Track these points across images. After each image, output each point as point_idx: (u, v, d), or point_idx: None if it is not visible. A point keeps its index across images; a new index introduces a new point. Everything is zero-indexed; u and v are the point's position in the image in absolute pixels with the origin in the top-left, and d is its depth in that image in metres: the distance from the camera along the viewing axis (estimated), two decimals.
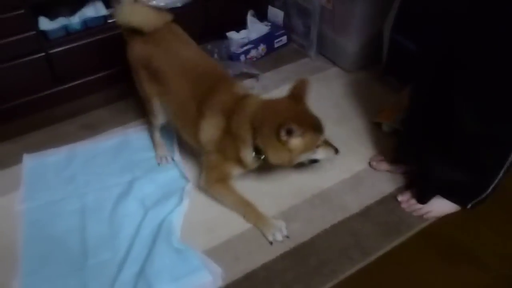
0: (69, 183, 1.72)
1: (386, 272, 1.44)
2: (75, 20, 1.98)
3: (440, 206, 1.57)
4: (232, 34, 2.37)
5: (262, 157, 1.50)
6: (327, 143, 1.57)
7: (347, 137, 1.90)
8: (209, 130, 1.53)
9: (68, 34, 1.99)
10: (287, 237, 1.51)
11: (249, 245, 1.50)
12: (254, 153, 1.50)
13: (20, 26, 1.83)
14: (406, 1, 1.93)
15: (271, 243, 1.50)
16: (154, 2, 2.09)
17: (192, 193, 1.66)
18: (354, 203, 1.63)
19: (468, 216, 1.57)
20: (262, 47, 2.38)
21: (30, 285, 1.40)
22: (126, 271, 1.41)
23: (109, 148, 1.88)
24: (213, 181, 1.60)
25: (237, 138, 1.50)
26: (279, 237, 1.50)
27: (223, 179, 1.60)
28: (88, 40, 2.00)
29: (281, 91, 1.53)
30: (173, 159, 1.82)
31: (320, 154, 1.56)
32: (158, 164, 1.80)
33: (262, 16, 2.50)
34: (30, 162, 1.81)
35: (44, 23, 1.93)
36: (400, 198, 1.63)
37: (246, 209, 1.57)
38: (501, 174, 1.40)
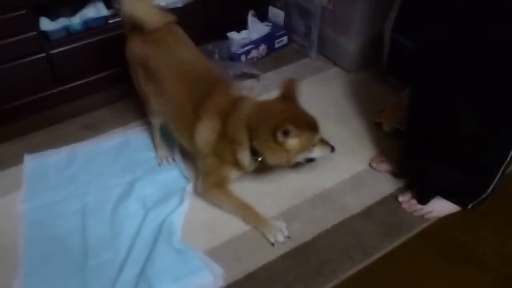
0: (70, 184, 1.73)
1: (387, 272, 1.44)
2: (76, 20, 1.98)
3: (441, 207, 1.57)
4: (233, 35, 2.37)
5: (259, 159, 1.51)
6: (323, 142, 1.58)
7: (348, 137, 1.90)
8: (205, 133, 1.53)
9: (69, 34, 1.99)
10: (288, 237, 1.51)
11: (250, 245, 1.50)
12: (251, 155, 1.51)
13: (21, 27, 1.83)
14: (406, 1, 1.93)
15: (272, 244, 1.50)
16: (155, 2, 2.09)
17: (192, 194, 1.66)
18: (355, 203, 1.63)
19: (468, 217, 1.57)
20: (262, 48, 2.38)
21: (30, 285, 1.40)
22: (127, 272, 1.41)
23: (110, 149, 1.88)
24: (210, 186, 1.60)
25: (234, 141, 1.50)
26: (280, 238, 1.50)
27: (221, 184, 1.60)
28: (89, 40, 2.00)
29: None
30: (173, 160, 1.82)
31: (317, 152, 1.57)
32: (159, 164, 1.80)
33: (262, 17, 2.50)
34: (31, 162, 1.81)
35: (45, 24, 1.93)
36: (401, 198, 1.63)
37: (245, 212, 1.57)
38: (500, 174, 1.40)
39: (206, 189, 1.60)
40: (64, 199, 1.66)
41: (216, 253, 1.47)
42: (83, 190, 1.70)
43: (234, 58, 2.30)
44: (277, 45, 2.45)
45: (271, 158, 1.48)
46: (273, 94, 1.57)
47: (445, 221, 1.57)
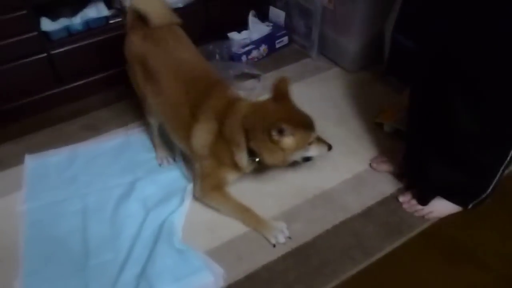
0: (70, 184, 1.73)
1: (388, 273, 1.44)
2: (77, 20, 1.99)
3: (441, 207, 1.56)
4: (233, 35, 2.37)
5: (257, 159, 1.51)
6: (320, 140, 1.58)
7: (348, 137, 1.90)
8: (202, 135, 1.53)
9: (70, 35, 1.99)
10: (289, 237, 1.52)
11: (251, 245, 1.50)
12: (248, 156, 1.51)
13: (22, 27, 1.83)
14: (407, 1, 1.93)
15: (274, 245, 1.50)
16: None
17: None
18: (356, 204, 1.63)
19: (469, 217, 1.56)
20: (263, 48, 2.38)
21: (31, 285, 1.40)
22: (127, 272, 1.41)
23: (110, 149, 1.88)
24: (208, 189, 1.59)
25: (231, 142, 1.50)
26: (281, 239, 1.50)
27: (219, 186, 1.59)
28: (90, 40, 2.01)
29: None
30: (174, 160, 1.82)
31: (313, 151, 1.56)
32: (159, 165, 1.80)
33: (263, 17, 2.50)
34: (31, 162, 1.82)
35: (46, 24, 1.93)
36: (401, 198, 1.63)
37: (245, 214, 1.56)
38: (500, 174, 1.40)
39: (204, 193, 1.60)
40: (64, 199, 1.66)
41: (216, 253, 1.47)
42: (84, 190, 1.70)
43: (234, 58, 2.30)
44: (277, 45, 2.45)
45: (268, 158, 1.48)
46: None
47: (445, 221, 1.57)
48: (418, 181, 1.61)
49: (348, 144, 1.87)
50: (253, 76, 2.24)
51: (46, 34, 1.93)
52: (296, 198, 1.66)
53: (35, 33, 1.87)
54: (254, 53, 2.35)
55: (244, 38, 2.37)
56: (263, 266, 1.44)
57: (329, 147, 1.59)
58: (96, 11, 2.02)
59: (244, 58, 2.32)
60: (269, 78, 2.24)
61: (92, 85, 2.12)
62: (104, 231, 1.55)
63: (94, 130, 1.98)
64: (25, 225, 1.58)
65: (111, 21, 2.05)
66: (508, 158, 1.35)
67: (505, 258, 1.47)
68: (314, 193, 1.67)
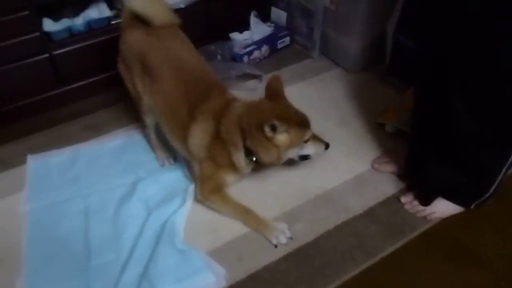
0: (72, 184, 1.73)
1: (389, 273, 1.44)
2: (79, 21, 1.99)
3: (444, 207, 1.56)
4: (235, 35, 2.37)
5: (254, 158, 1.51)
6: (316, 138, 1.58)
7: (350, 138, 1.90)
8: (200, 134, 1.53)
9: (72, 35, 1.99)
10: (291, 238, 1.52)
11: (253, 245, 1.50)
12: (245, 156, 1.51)
13: (24, 28, 1.83)
14: (409, 1, 1.93)
15: (275, 246, 1.50)
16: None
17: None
18: (357, 204, 1.63)
19: (471, 217, 1.56)
20: (265, 48, 2.38)
21: (33, 285, 1.40)
22: (129, 272, 1.41)
23: (112, 149, 1.88)
24: (208, 192, 1.59)
25: (228, 142, 1.50)
26: (283, 240, 1.50)
27: (218, 189, 1.59)
28: (92, 41, 2.01)
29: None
30: (174, 160, 1.82)
31: (309, 149, 1.57)
32: (161, 165, 1.80)
33: (265, 17, 2.50)
34: (34, 163, 1.82)
35: (48, 25, 1.93)
36: (403, 199, 1.63)
37: (246, 216, 1.56)
38: (502, 174, 1.40)
39: (204, 196, 1.60)
40: (67, 200, 1.67)
41: (218, 254, 1.47)
42: (86, 191, 1.70)
43: (236, 58, 2.30)
44: (279, 46, 2.45)
45: (264, 156, 1.48)
46: None
47: (448, 222, 1.57)
48: (420, 181, 1.61)
49: (350, 144, 1.87)
50: (254, 77, 2.24)
51: (48, 34, 1.94)
52: (297, 198, 1.66)
53: (37, 33, 1.88)
54: (256, 54, 2.35)
55: (246, 39, 2.37)
56: (264, 266, 1.44)
57: (326, 146, 1.60)
58: (98, 12, 2.02)
59: (245, 58, 2.32)
60: None
61: (93, 85, 2.12)
62: (106, 231, 1.55)
63: (95, 131, 1.98)
64: (27, 225, 1.58)
65: (113, 22, 2.05)
66: (510, 158, 1.35)
67: (507, 259, 1.46)
68: (315, 194, 1.67)
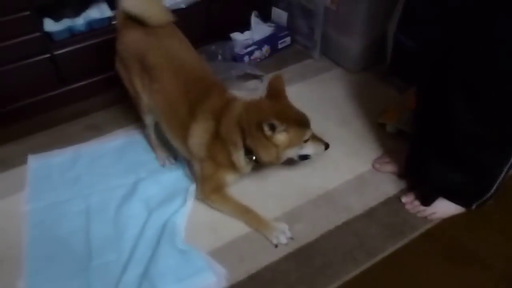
0: (73, 184, 1.73)
1: (390, 273, 1.44)
2: (80, 21, 1.99)
3: (445, 208, 1.56)
4: (236, 35, 2.37)
5: (254, 157, 1.51)
6: (316, 138, 1.58)
7: (351, 138, 1.90)
8: (200, 133, 1.53)
9: (72, 35, 1.99)
10: (292, 238, 1.52)
11: (253, 246, 1.50)
12: (245, 155, 1.51)
13: (25, 28, 1.84)
14: (410, 1, 1.93)
15: (276, 246, 1.50)
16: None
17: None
18: (358, 204, 1.63)
19: (472, 217, 1.56)
20: (266, 48, 2.38)
21: (34, 285, 1.40)
22: (130, 272, 1.41)
23: (113, 149, 1.88)
24: (208, 192, 1.59)
25: (228, 142, 1.50)
26: (283, 240, 1.50)
27: (219, 188, 1.60)
28: (93, 41, 2.01)
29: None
30: (175, 159, 1.82)
31: (309, 149, 1.57)
32: (162, 165, 1.80)
33: (266, 17, 2.50)
34: (35, 163, 1.82)
35: (49, 25, 1.93)
36: (404, 199, 1.62)
37: (247, 216, 1.56)
38: (503, 174, 1.40)
39: (205, 195, 1.60)
40: (67, 200, 1.67)
41: (219, 254, 1.47)
42: (87, 191, 1.70)
43: (237, 58, 2.30)
44: (280, 46, 2.45)
45: (263, 155, 1.48)
46: None
47: (448, 222, 1.57)
48: (421, 181, 1.61)
49: (351, 144, 1.87)
50: (255, 77, 2.24)
51: (49, 34, 1.94)
52: (298, 198, 1.66)
53: (38, 33, 1.88)
54: (257, 54, 2.35)
55: (247, 39, 2.37)
56: (265, 266, 1.44)
57: (326, 146, 1.60)
58: (99, 12, 2.02)
59: (246, 58, 2.32)
60: None
61: (94, 85, 2.12)
62: (107, 232, 1.55)
63: (96, 131, 1.98)
64: (28, 226, 1.58)
65: (114, 22, 2.05)
66: (511, 159, 1.35)
67: (508, 259, 1.46)
68: (316, 194, 1.67)
